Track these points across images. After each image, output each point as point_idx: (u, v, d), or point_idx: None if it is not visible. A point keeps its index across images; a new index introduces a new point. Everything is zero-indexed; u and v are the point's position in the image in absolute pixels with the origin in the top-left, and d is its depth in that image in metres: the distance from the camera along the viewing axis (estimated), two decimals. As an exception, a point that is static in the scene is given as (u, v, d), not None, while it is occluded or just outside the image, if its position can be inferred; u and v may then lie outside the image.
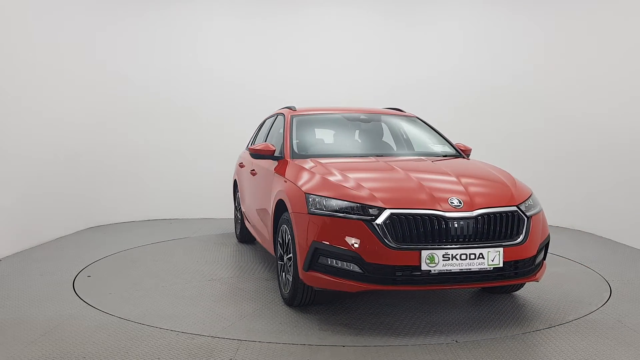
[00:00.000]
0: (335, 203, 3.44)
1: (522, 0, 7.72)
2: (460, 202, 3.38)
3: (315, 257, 3.45)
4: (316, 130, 5.10)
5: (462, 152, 4.75)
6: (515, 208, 3.49)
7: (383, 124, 5.22)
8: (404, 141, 5.06)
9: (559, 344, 3.24)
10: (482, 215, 3.36)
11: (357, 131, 5.10)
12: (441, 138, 4.94)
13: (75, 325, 3.51)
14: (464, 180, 3.72)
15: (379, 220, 3.29)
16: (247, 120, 7.74)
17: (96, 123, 7.29)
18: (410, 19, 8.05)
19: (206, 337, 3.33)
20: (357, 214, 3.35)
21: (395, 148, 4.96)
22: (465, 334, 3.41)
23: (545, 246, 3.73)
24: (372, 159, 4.30)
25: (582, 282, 4.66)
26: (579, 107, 7.15)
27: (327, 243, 3.38)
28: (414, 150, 4.91)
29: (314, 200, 3.53)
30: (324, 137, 5.05)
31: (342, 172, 3.81)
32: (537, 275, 3.62)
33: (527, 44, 7.68)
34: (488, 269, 3.31)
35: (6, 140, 5.50)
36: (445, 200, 3.39)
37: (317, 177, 3.76)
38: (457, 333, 3.43)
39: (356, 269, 3.31)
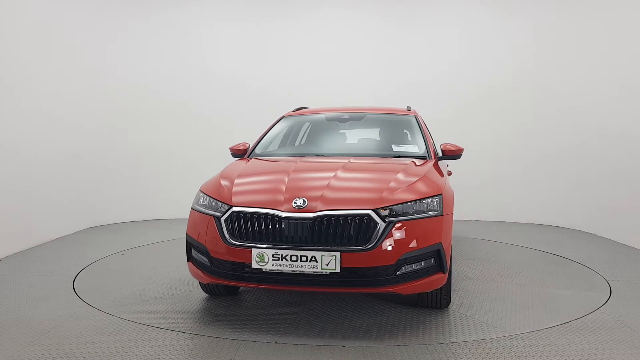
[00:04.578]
0: (203, 199, 3.69)
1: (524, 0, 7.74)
2: (304, 203, 3.30)
3: (189, 250, 3.70)
4: (300, 130, 5.19)
5: (433, 153, 4.47)
6: (367, 212, 3.25)
7: (366, 123, 5.18)
8: (375, 140, 4.97)
9: (559, 344, 3.24)
10: (320, 217, 3.24)
11: (338, 131, 5.13)
12: (421, 139, 4.67)
13: (75, 325, 3.51)
14: (341, 181, 3.63)
15: (223, 217, 3.42)
16: (247, 120, 7.76)
17: (96, 123, 7.30)
18: (419, 19, 8.06)
19: (206, 337, 3.33)
20: (212, 210, 3.54)
21: (357, 148, 4.82)
22: (465, 334, 3.41)
23: (433, 255, 3.36)
24: (308, 158, 4.37)
25: (582, 282, 4.66)
26: (579, 107, 7.16)
27: (192, 237, 3.63)
28: (374, 150, 4.72)
29: (199, 196, 3.78)
30: (302, 136, 5.21)
31: (246, 172, 4.01)
32: (404, 286, 3.29)
33: (530, 43, 7.69)
34: (323, 273, 3.17)
35: (6, 140, 5.50)
36: (293, 200, 3.33)
37: (217, 176, 3.98)
38: (457, 333, 3.43)
39: (206, 262, 3.49)
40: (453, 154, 4.58)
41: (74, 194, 6.81)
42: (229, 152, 4.91)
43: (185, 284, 4.51)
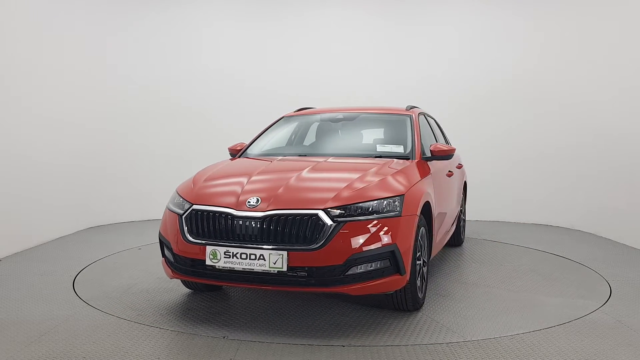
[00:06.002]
0: (176, 198, 3.78)
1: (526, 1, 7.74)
2: (257, 202, 3.38)
3: (161, 247, 3.85)
4: (294, 130, 5.21)
5: (418, 154, 4.36)
6: (315, 212, 3.26)
7: (357, 124, 5.13)
8: (360, 140, 4.95)
9: (559, 344, 3.24)
10: (269, 216, 3.30)
11: (328, 131, 5.13)
12: (409, 139, 4.56)
13: (75, 325, 3.51)
14: (301, 181, 3.64)
15: (184, 215, 3.55)
16: (247, 120, 7.76)
17: (96, 123, 7.28)
18: (420, 19, 8.06)
19: (206, 337, 3.33)
20: (178, 208, 3.66)
21: (341, 148, 4.76)
22: (466, 334, 3.41)
23: (387, 256, 3.33)
24: (287, 158, 4.45)
25: (582, 282, 4.66)
26: (579, 106, 7.16)
27: (162, 234, 3.77)
28: (357, 150, 4.67)
29: (173, 195, 3.88)
30: (294, 136, 5.23)
31: (219, 171, 4.07)
32: (355, 287, 3.27)
33: (530, 42, 7.69)
34: (271, 271, 3.22)
35: (6, 141, 5.50)
36: (247, 199, 3.42)
37: (192, 176, 4.06)
38: (457, 333, 3.43)
39: (171, 258, 3.64)
40: (443, 154, 4.48)
41: (73, 194, 6.81)
42: (228, 152, 4.94)
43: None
